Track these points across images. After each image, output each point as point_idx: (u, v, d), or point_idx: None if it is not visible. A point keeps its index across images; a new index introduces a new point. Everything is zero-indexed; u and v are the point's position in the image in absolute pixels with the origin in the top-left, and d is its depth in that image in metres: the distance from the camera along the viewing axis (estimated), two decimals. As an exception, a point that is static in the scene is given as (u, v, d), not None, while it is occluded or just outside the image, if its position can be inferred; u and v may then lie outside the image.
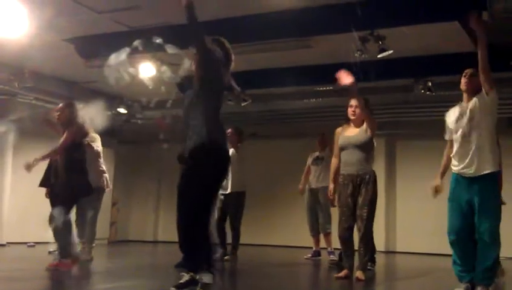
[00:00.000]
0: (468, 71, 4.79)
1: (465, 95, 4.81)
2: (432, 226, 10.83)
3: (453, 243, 4.70)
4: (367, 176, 5.85)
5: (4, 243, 10.02)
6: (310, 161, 8.88)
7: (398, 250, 11.62)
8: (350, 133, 6.04)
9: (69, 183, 6.23)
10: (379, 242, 11.46)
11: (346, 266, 5.97)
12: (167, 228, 12.62)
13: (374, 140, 6.03)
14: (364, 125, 5.99)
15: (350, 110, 6.05)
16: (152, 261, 6.96)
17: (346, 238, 5.91)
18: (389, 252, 11.43)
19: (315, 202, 8.60)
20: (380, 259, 10.17)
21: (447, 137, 4.92)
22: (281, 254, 10.42)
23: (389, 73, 8.85)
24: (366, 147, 5.91)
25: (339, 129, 6.19)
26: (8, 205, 10.22)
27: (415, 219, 11.43)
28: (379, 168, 11.63)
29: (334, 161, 6.20)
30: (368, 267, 6.53)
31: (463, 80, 4.78)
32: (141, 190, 13.81)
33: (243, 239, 10.81)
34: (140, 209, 13.76)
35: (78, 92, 10.07)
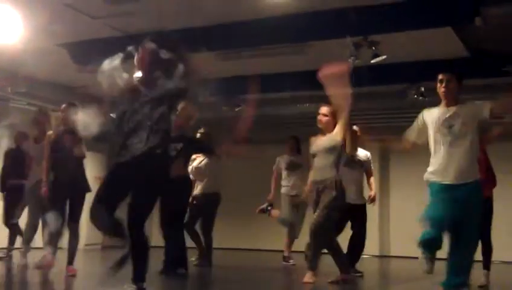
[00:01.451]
0: (443, 77, 4.64)
1: (444, 101, 4.68)
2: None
3: None
4: (328, 182, 5.80)
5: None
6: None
7: (392, 254, 11.62)
8: (319, 140, 6.03)
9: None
10: (373, 246, 11.50)
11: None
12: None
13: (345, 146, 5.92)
14: (334, 131, 5.91)
15: (318, 118, 6.03)
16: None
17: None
18: (382, 257, 11.43)
19: None
20: (373, 263, 10.21)
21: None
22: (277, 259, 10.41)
23: (382, 78, 8.88)
24: (330, 153, 5.85)
25: (313, 138, 6.18)
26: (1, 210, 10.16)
27: (408, 223, 11.38)
28: (373, 172, 11.74)
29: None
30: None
31: (441, 89, 4.62)
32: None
33: (237, 244, 10.78)
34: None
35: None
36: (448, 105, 4.63)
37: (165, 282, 6.12)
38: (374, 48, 7.41)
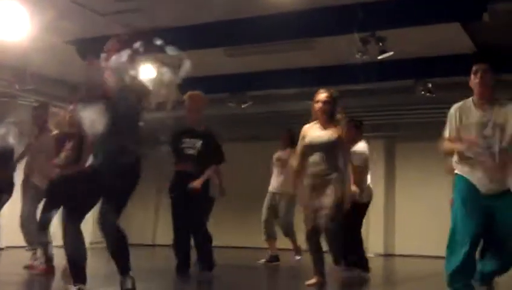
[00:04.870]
0: (479, 67, 4.21)
1: (477, 99, 4.21)
2: (431, 228, 10.83)
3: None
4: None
5: (3, 247, 9.98)
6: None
7: (396, 253, 11.61)
8: (317, 133, 5.49)
9: None
10: (378, 245, 11.50)
11: (317, 272, 5.42)
12: (166, 232, 12.60)
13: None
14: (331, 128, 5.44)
15: (317, 105, 5.47)
16: (150, 265, 6.96)
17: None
18: (387, 255, 11.43)
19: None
20: (378, 262, 10.17)
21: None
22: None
23: (390, 74, 8.87)
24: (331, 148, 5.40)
25: (305, 127, 5.61)
26: (7, 208, 10.18)
27: (414, 222, 11.43)
28: (378, 170, 11.72)
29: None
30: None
31: (476, 80, 4.18)
32: (140, 193, 13.69)
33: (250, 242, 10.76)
34: (139, 212, 13.74)
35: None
36: (483, 104, 4.21)
37: (168, 282, 6.13)
38: (381, 43, 7.39)
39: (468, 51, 8.15)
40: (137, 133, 4.48)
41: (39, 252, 6.51)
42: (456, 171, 4.31)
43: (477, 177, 4.14)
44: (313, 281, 5.38)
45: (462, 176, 4.23)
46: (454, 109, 4.34)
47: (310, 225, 5.38)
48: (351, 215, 6.60)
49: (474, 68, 4.25)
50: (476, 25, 7.30)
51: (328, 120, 5.43)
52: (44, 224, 6.35)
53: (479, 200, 4.14)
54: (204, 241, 6.28)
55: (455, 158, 4.32)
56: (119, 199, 4.39)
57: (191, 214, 6.22)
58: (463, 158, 4.22)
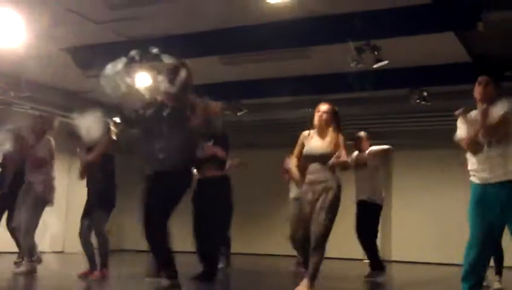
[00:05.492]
0: (483, 80, 4.44)
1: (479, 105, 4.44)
2: (427, 235, 10.85)
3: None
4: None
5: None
6: None
7: (393, 259, 11.62)
8: (315, 143, 5.53)
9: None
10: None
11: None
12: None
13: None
14: (328, 138, 5.46)
15: (318, 115, 5.55)
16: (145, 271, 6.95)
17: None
18: (384, 261, 11.43)
19: None
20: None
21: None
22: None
23: (385, 83, 8.90)
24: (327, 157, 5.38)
25: (304, 133, 5.67)
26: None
27: (410, 228, 11.45)
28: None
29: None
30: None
31: (478, 89, 4.42)
32: (135, 198, 13.71)
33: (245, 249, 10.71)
34: (134, 218, 13.69)
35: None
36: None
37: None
38: (376, 52, 7.42)
39: (462, 60, 8.19)
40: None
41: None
42: (471, 179, 4.34)
43: (487, 170, 4.19)
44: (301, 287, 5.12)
45: (473, 184, 4.31)
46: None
47: (299, 230, 5.33)
48: (364, 215, 6.94)
49: (478, 79, 4.45)
50: (470, 34, 7.33)
51: (326, 130, 5.48)
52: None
53: (490, 201, 4.16)
54: (211, 250, 6.35)
55: (469, 165, 4.36)
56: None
57: (206, 221, 6.37)
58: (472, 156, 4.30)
